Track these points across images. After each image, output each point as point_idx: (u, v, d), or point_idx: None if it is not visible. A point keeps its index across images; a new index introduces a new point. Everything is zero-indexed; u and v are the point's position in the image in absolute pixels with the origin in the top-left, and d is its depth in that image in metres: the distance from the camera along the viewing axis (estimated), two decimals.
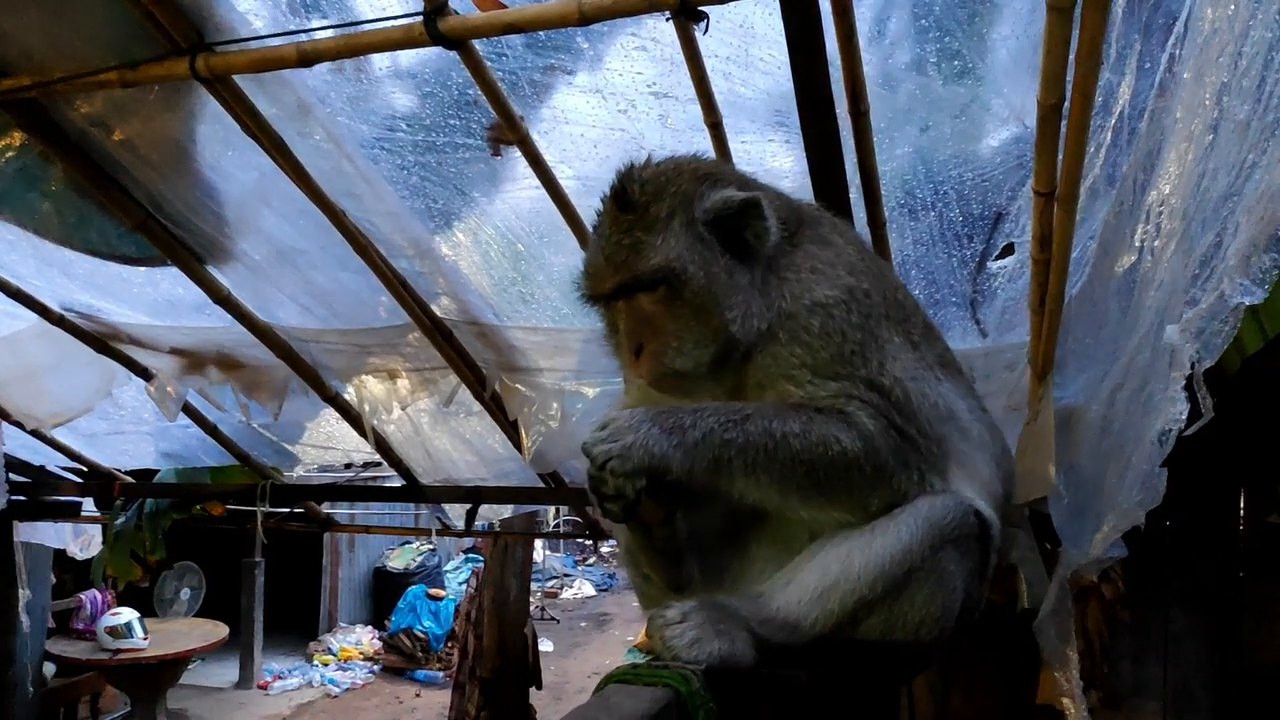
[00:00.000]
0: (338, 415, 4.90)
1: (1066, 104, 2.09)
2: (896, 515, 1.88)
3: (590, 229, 3.21)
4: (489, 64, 2.68)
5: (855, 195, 2.78)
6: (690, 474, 1.76)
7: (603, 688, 1.50)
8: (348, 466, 7.54)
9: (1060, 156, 2.22)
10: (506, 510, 5.89)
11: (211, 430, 5.26)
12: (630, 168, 2.01)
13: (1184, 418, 1.95)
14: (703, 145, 2.84)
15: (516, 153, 3.00)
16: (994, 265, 3.15)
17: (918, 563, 1.84)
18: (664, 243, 1.90)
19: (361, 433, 4.80)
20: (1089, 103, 2.07)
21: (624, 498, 1.75)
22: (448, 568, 16.61)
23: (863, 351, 1.89)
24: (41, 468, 6.19)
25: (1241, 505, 4.29)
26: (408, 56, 2.98)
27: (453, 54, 2.59)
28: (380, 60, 3.07)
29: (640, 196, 1.95)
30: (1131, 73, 2.34)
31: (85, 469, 6.11)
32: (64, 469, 6.24)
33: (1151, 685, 4.38)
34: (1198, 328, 1.85)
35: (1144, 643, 4.37)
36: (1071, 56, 1.98)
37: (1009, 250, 3.10)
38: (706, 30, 2.38)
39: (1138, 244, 2.33)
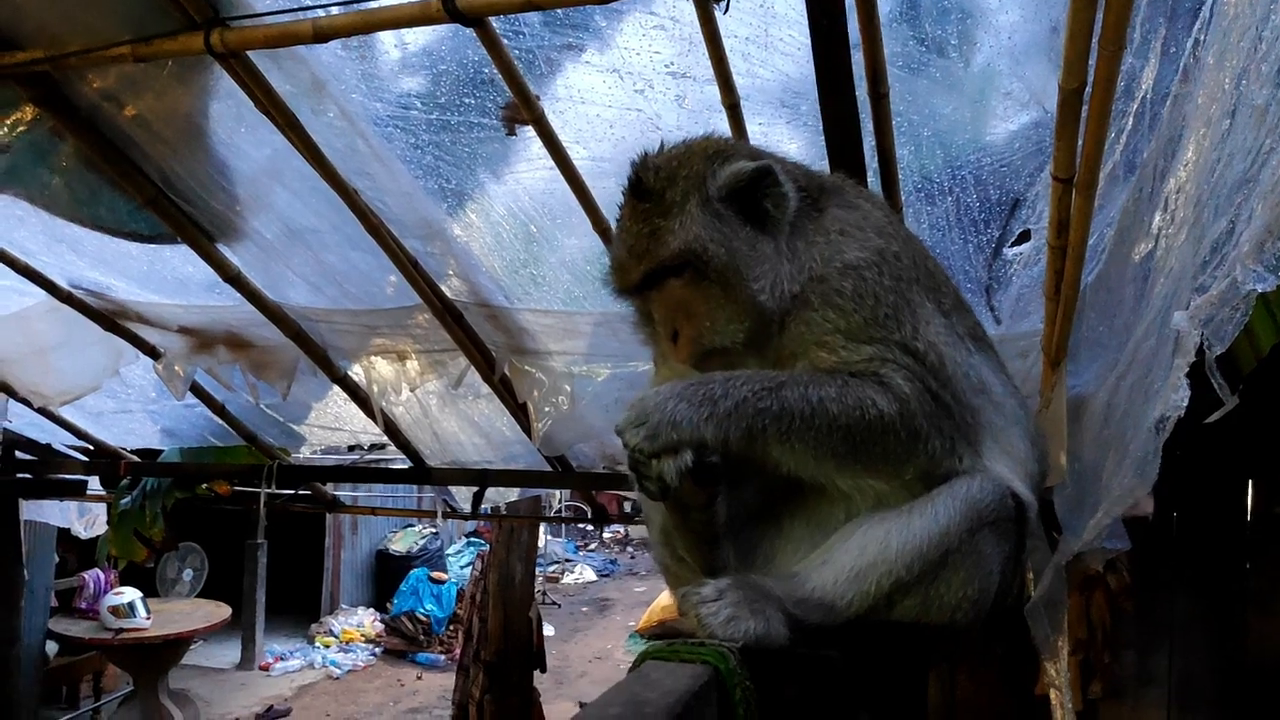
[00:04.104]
0: (345, 396, 4.89)
1: (1088, 89, 2.07)
2: (934, 497, 1.87)
3: (609, 217, 3.24)
4: (505, 42, 2.67)
5: (872, 179, 2.77)
6: (724, 445, 1.75)
7: (640, 664, 1.49)
8: (352, 449, 7.55)
9: (1080, 142, 2.21)
10: (513, 493, 5.89)
11: (219, 410, 5.26)
12: (644, 156, 2.01)
13: (1184, 404, 1.93)
14: (720, 126, 2.82)
15: (531, 132, 2.99)
16: (1010, 251, 3.14)
17: (955, 545, 1.83)
18: (682, 226, 1.89)
19: (370, 414, 4.79)
20: (1111, 88, 2.05)
21: (662, 478, 1.73)
22: (450, 551, 16.67)
23: (896, 315, 1.87)
24: (48, 446, 6.20)
25: (1249, 496, 4.28)
26: (423, 34, 2.96)
27: (469, 31, 2.57)
28: (387, 38, 3.06)
29: (655, 183, 1.95)
30: (1156, 57, 2.32)
31: (91, 447, 6.11)
32: (70, 447, 6.25)
33: (1156, 675, 4.38)
34: (1208, 315, 1.84)
35: (1149, 633, 4.37)
36: (1094, 41, 1.97)
37: (1025, 236, 3.08)
38: (727, 10, 2.37)
39: (1154, 231, 2.32)
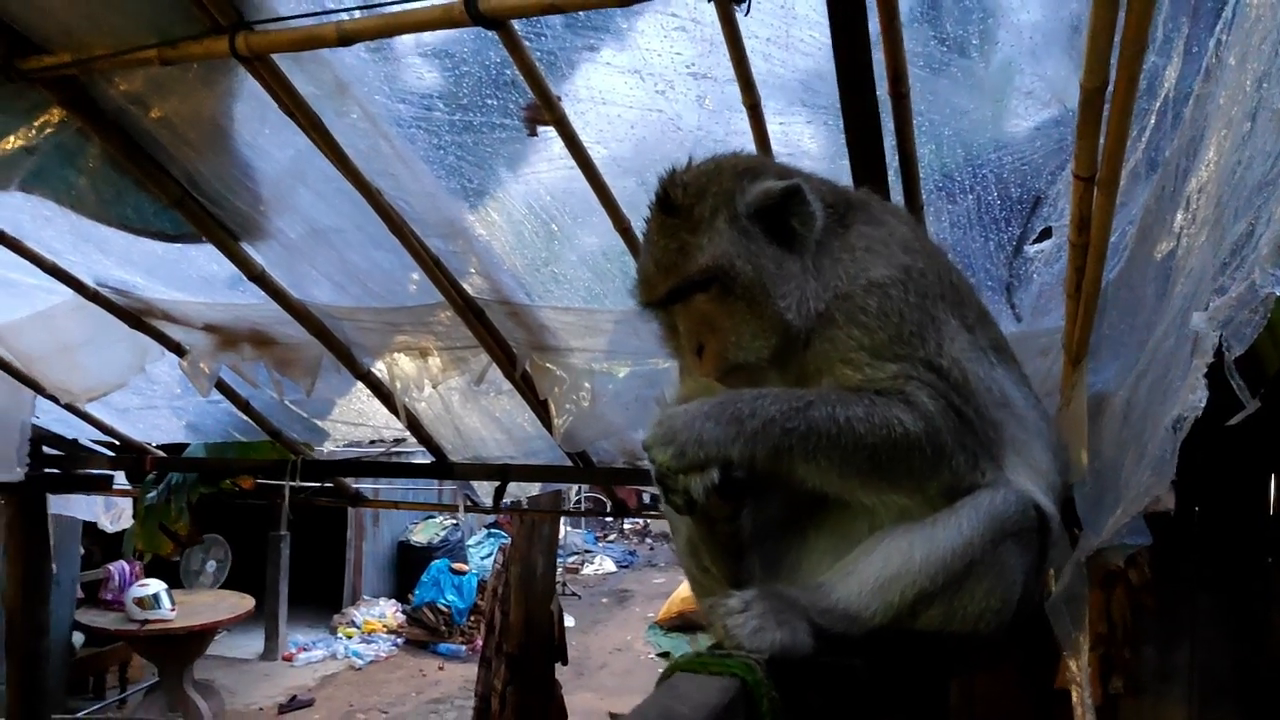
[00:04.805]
0: (368, 392, 4.93)
1: (1110, 87, 2.07)
2: (957, 508, 1.88)
3: (629, 215, 3.25)
4: (527, 43, 2.68)
5: (892, 178, 2.77)
6: (751, 462, 1.77)
7: (669, 675, 1.51)
8: (372, 443, 7.59)
9: (1102, 140, 2.20)
10: (535, 488, 5.92)
11: (244, 406, 5.30)
12: (672, 172, 2.02)
13: (1202, 405, 1.93)
14: (740, 127, 2.84)
15: (552, 132, 3.00)
16: (1031, 249, 3.14)
17: (978, 556, 1.85)
18: (710, 242, 1.91)
19: (393, 410, 4.83)
20: (1133, 87, 2.05)
21: (689, 494, 1.76)
22: (470, 542, 16.75)
23: (921, 332, 1.89)
24: (74, 441, 6.26)
25: (1270, 492, 4.25)
26: (445, 36, 2.98)
27: (491, 33, 2.59)
28: (409, 40, 3.08)
29: (683, 199, 1.96)
30: (1178, 56, 2.31)
31: (117, 443, 6.17)
32: (97, 442, 6.31)
33: (1177, 672, 4.36)
34: (1227, 316, 1.84)
35: (1170, 629, 4.35)
36: (1116, 39, 1.97)
37: (1046, 234, 3.08)
38: (748, 11, 2.37)
39: (1176, 230, 2.31)
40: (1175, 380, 2.10)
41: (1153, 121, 2.50)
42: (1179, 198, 2.29)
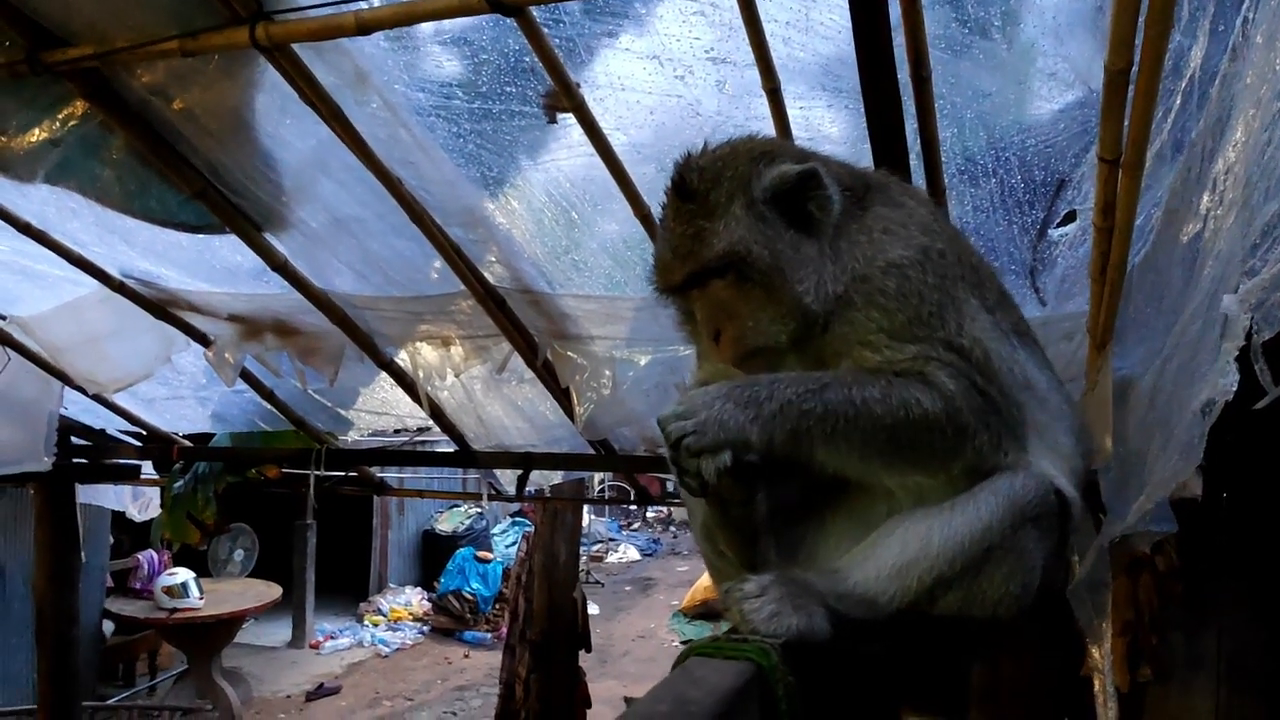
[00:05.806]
0: (392, 381, 4.95)
1: (1135, 68, 2.05)
2: (976, 493, 1.86)
3: (649, 202, 3.25)
4: (546, 31, 2.68)
5: (915, 162, 2.75)
6: (769, 445, 1.76)
7: (684, 660, 1.51)
8: (397, 432, 7.64)
9: (1127, 122, 2.18)
10: (557, 476, 5.93)
11: (268, 395, 5.33)
12: (687, 157, 2.01)
13: (1233, 389, 1.91)
14: (760, 112, 2.82)
15: (572, 119, 3.00)
16: (1055, 233, 3.11)
17: (997, 541, 1.83)
18: (726, 228, 1.90)
19: (416, 399, 4.84)
20: (1158, 67, 2.02)
21: (701, 475, 1.75)
22: (495, 531, 16.84)
23: (940, 313, 1.87)
24: (102, 431, 6.32)
25: None
26: (464, 23, 2.97)
27: (510, 20, 2.59)
28: (428, 28, 3.07)
29: (699, 185, 1.95)
30: (1204, 35, 2.28)
31: (144, 432, 6.22)
32: (124, 432, 6.36)
33: (1205, 659, 4.32)
34: (1258, 299, 1.82)
35: (1197, 616, 4.31)
36: (1140, 19, 1.94)
37: (1070, 217, 3.05)
38: None
39: (1203, 213, 2.29)
40: (1203, 364, 2.08)
41: (1178, 102, 2.46)
42: (1205, 179, 2.26)
